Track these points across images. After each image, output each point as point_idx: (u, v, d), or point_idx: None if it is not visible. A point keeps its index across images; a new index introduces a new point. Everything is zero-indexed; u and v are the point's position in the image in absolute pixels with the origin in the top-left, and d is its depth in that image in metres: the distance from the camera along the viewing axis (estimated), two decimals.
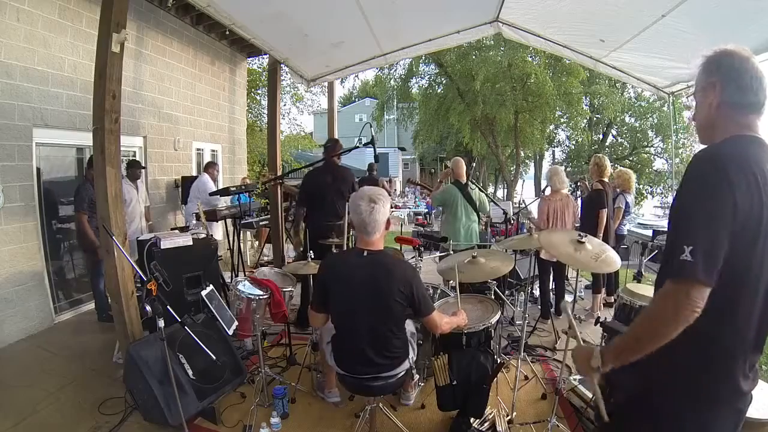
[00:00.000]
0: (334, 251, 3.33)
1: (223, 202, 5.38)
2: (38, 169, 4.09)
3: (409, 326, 2.31)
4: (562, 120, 17.93)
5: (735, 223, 0.99)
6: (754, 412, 1.78)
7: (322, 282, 2.12)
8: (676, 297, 1.00)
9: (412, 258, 3.27)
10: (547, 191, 4.36)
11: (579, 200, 5.26)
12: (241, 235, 5.21)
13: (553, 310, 4.24)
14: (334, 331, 2.21)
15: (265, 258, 6.49)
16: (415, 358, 2.31)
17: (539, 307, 4.23)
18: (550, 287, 4.30)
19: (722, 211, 0.99)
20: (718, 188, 1.00)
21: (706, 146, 1.12)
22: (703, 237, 0.99)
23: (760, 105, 1.11)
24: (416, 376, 2.66)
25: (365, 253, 2.04)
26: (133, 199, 4.57)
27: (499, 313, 2.54)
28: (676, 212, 1.09)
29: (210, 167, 5.76)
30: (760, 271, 1.04)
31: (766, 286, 1.07)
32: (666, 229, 1.21)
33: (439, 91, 17.69)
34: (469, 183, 4.45)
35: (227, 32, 6.25)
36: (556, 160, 23.49)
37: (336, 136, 6.47)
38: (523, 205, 7.63)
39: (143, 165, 4.91)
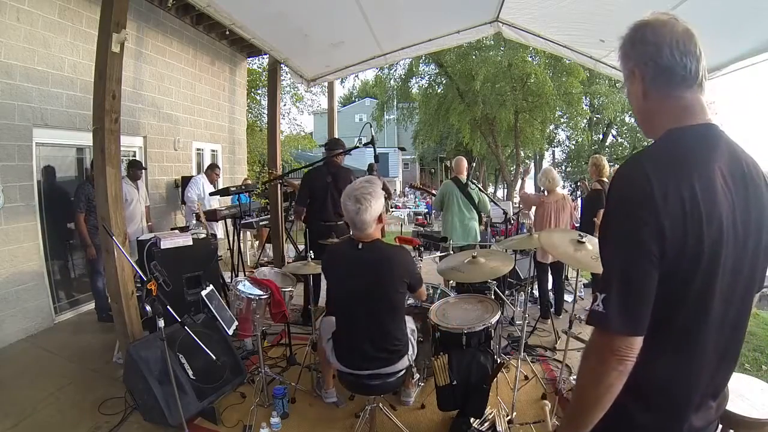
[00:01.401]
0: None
1: (215, 201, 5.35)
2: (38, 169, 4.09)
3: (410, 323, 2.32)
4: (562, 120, 17.92)
5: (664, 251, 0.81)
6: (753, 412, 1.78)
7: (324, 271, 2.25)
8: (600, 351, 0.86)
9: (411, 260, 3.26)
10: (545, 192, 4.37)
11: (579, 200, 5.27)
12: (241, 235, 5.21)
13: (553, 309, 4.24)
14: (335, 327, 2.22)
15: (265, 258, 6.49)
16: (414, 356, 2.32)
17: (539, 307, 4.23)
18: (549, 287, 4.30)
19: (641, 244, 0.81)
20: (635, 214, 0.82)
21: (631, 156, 0.94)
22: (617, 281, 0.84)
23: (692, 76, 0.90)
24: (416, 376, 2.66)
25: (360, 246, 2.07)
26: (134, 199, 4.57)
27: (499, 313, 2.55)
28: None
29: (210, 170, 5.72)
30: (706, 297, 0.86)
31: (719, 316, 0.88)
32: None
33: (439, 91, 17.68)
34: (469, 183, 4.46)
35: (227, 32, 6.25)
36: (556, 160, 23.52)
37: (336, 136, 6.48)
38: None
39: (144, 166, 4.91)
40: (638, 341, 0.84)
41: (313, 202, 3.97)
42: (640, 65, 0.93)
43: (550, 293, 4.31)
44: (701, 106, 0.91)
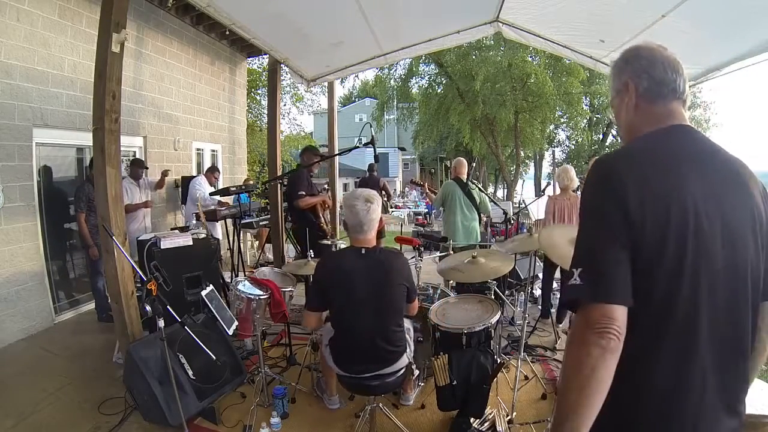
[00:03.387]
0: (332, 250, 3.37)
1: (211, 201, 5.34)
2: (38, 169, 4.09)
3: (407, 323, 2.34)
4: (562, 120, 17.94)
5: (631, 235, 0.83)
6: (753, 412, 1.79)
7: (321, 282, 2.12)
8: (580, 326, 0.83)
9: (412, 258, 3.27)
10: (548, 190, 4.35)
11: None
12: (241, 235, 5.21)
13: (554, 309, 4.21)
14: (333, 333, 2.22)
15: (265, 261, 6.49)
16: (412, 353, 2.33)
17: (539, 307, 4.22)
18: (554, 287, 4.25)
19: (607, 224, 0.86)
20: (599, 194, 0.90)
21: (603, 154, 1.02)
22: (589, 255, 0.88)
23: (680, 92, 0.98)
24: (416, 372, 2.66)
25: (363, 251, 2.08)
26: (135, 197, 4.59)
27: (499, 313, 2.55)
28: None
29: (210, 172, 5.68)
30: (671, 299, 0.84)
31: (708, 317, 0.85)
32: None
33: (439, 91, 17.70)
34: (469, 183, 4.46)
35: (227, 32, 6.25)
36: (556, 160, 23.51)
37: (336, 136, 6.50)
38: (523, 205, 7.62)
39: (146, 165, 4.93)
40: (619, 311, 0.80)
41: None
42: (634, 78, 1.00)
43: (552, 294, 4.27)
44: (680, 113, 0.98)
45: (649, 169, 0.87)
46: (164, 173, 5.13)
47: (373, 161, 7.20)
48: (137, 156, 5.42)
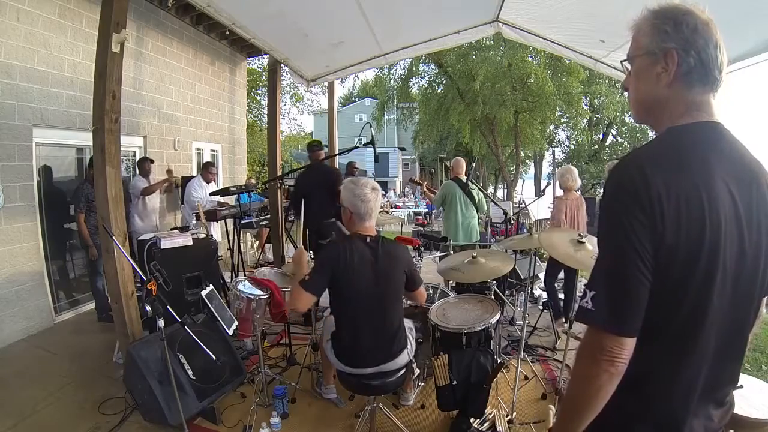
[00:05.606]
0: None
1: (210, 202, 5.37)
2: (38, 169, 4.10)
3: (407, 323, 2.34)
4: (562, 120, 17.92)
5: (658, 252, 0.79)
6: (754, 412, 1.79)
7: (330, 264, 2.00)
8: (591, 351, 0.83)
9: (413, 258, 3.26)
10: (549, 190, 4.33)
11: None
12: (241, 235, 5.21)
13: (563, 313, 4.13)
14: (335, 327, 2.22)
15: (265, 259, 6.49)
16: (413, 351, 2.34)
17: (539, 307, 4.21)
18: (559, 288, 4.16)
19: (633, 242, 0.79)
20: (629, 211, 0.79)
21: (628, 153, 0.89)
22: (606, 278, 0.83)
23: (719, 83, 0.87)
24: (416, 371, 2.66)
25: (368, 239, 2.10)
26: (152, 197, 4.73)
27: (499, 313, 2.55)
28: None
29: (204, 169, 5.63)
30: (703, 303, 0.82)
31: (719, 322, 0.84)
32: None
33: (439, 91, 17.66)
34: (469, 183, 4.47)
35: (227, 32, 6.24)
36: (556, 160, 23.49)
37: (336, 136, 6.50)
38: (523, 205, 7.62)
39: (152, 159, 5.00)
40: (629, 342, 0.81)
41: (306, 202, 4.10)
42: (681, 52, 0.86)
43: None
44: (711, 106, 0.89)
45: (684, 181, 0.79)
46: (168, 172, 5.19)
47: (351, 161, 7.29)
48: (136, 156, 5.43)
